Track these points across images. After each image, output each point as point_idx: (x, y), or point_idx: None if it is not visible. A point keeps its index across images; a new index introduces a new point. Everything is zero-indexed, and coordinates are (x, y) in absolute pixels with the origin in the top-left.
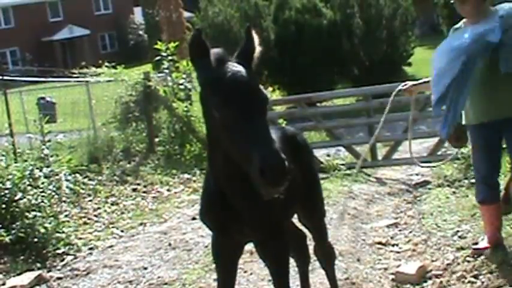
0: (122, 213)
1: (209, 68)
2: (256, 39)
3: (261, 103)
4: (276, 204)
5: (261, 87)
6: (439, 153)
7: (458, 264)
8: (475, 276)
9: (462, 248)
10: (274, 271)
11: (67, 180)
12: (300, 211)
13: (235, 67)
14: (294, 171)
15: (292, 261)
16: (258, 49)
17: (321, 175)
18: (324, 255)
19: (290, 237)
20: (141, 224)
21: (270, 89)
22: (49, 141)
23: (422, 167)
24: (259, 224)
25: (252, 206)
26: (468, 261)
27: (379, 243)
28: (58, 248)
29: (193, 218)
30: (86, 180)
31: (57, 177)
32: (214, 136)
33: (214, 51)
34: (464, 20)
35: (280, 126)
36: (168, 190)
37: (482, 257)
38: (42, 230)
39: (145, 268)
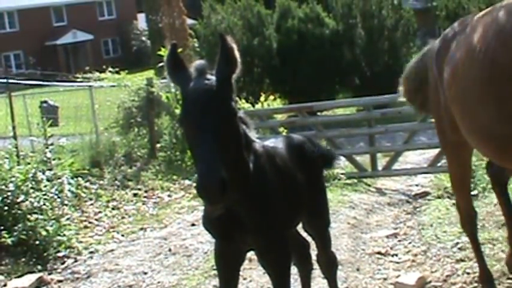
0: (123, 217)
1: (186, 81)
2: (233, 46)
3: (213, 120)
4: (279, 213)
5: (223, 102)
6: (439, 164)
7: (458, 276)
8: None
9: (462, 260)
10: (275, 280)
11: (69, 183)
12: (306, 219)
13: (201, 81)
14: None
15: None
16: (236, 57)
17: None
18: (326, 264)
19: (293, 245)
20: (141, 228)
21: (272, 97)
22: (52, 144)
23: None
24: (262, 233)
25: (255, 215)
26: (468, 273)
27: (379, 253)
28: (59, 251)
29: (193, 224)
30: (87, 184)
31: (59, 180)
32: None
33: (194, 64)
34: None
35: (288, 134)
36: (169, 196)
37: None
38: (44, 233)
39: (146, 273)
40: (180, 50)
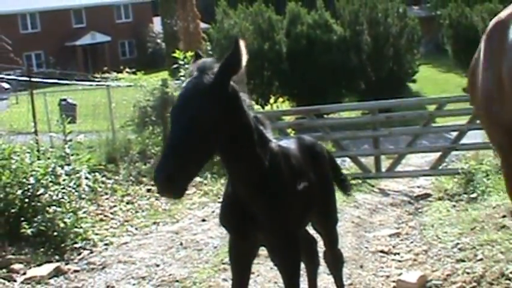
0: (137, 212)
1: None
2: (243, 50)
3: (185, 120)
4: (292, 212)
5: (206, 102)
6: (440, 167)
7: (458, 275)
8: None
9: (462, 260)
10: (285, 276)
11: (86, 178)
12: (315, 218)
13: (193, 80)
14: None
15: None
16: (243, 61)
17: None
18: (333, 261)
19: (301, 243)
20: (154, 223)
21: (281, 99)
22: (70, 140)
23: None
24: (274, 231)
25: (268, 213)
26: (468, 273)
27: (382, 251)
28: (76, 242)
29: (204, 220)
30: (103, 179)
31: (77, 175)
32: None
33: (197, 62)
34: None
35: (299, 136)
36: None
37: (482, 270)
38: (62, 225)
39: (158, 265)
40: (193, 52)
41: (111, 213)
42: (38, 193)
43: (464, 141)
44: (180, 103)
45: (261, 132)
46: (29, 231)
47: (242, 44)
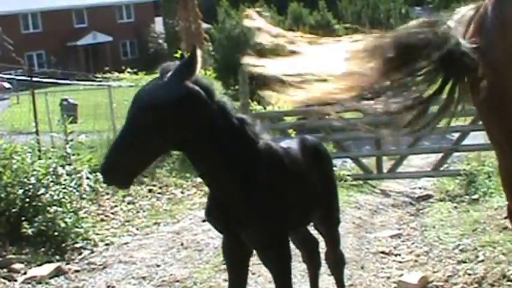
0: (138, 212)
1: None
2: (199, 58)
3: (132, 120)
4: (277, 212)
5: (144, 106)
6: (442, 168)
7: (459, 276)
8: None
9: (463, 261)
10: (275, 278)
11: (87, 178)
12: (318, 218)
13: (150, 83)
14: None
15: (300, 265)
16: (197, 68)
17: None
18: (334, 262)
19: (303, 243)
20: (155, 223)
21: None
22: (71, 140)
23: None
24: (255, 231)
25: (247, 213)
26: (469, 274)
27: (383, 252)
28: (76, 242)
29: (204, 220)
30: None
31: (78, 175)
32: None
33: (162, 64)
34: None
35: (302, 136)
36: (182, 192)
37: (483, 271)
38: (63, 225)
39: (158, 265)
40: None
41: (112, 214)
42: (39, 193)
43: (466, 142)
44: (132, 103)
45: (243, 133)
46: (29, 231)
47: (199, 52)
